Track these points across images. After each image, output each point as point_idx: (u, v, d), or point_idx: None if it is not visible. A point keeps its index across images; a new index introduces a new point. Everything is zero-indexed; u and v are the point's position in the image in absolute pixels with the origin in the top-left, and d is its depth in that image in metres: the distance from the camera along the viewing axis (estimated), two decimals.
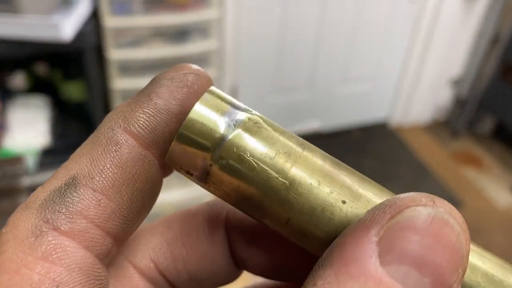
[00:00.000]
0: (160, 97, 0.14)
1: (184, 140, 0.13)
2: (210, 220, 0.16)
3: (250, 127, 0.13)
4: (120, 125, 0.13)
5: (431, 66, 1.98)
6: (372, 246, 0.10)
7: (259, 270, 0.16)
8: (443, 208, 0.10)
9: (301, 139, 0.13)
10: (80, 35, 1.06)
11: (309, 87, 1.86)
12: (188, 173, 0.13)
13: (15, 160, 0.48)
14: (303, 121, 1.88)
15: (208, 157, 0.13)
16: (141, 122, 0.13)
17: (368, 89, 1.98)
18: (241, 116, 0.13)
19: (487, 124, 2.09)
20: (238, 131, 0.13)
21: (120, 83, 1.26)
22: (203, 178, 0.13)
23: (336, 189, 0.12)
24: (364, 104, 2.02)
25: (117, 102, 1.29)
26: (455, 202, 1.72)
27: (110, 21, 1.18)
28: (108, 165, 0.13)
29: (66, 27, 1.01)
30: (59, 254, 0.12)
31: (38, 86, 1.31)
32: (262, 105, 1.78)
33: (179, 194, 1.43)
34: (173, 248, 0.16)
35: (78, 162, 0.13)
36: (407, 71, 1.99)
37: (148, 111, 0.14)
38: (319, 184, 0.12)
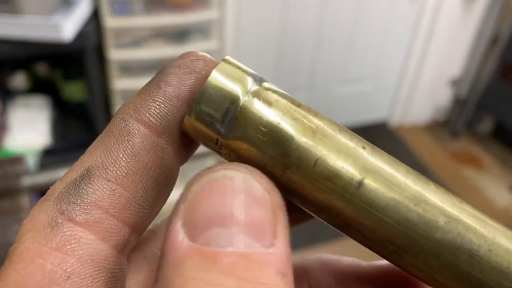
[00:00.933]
0: (169, 85, 0.14)
1: (200, 107, 0.13)
2: None
3: (265, 95, 0.13)
4: (132, 115, 0.14)
5: (430, 66, 1.98)
6: (178, 231, 0.11)
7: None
8: (220, 168, 0.12)
9: (313, 109, 0.14)
10: (81, 36, 1.06)
11: (309, 87, 1.86)
12: (206, 140, 0.14)
13: (16, 160, 0.49)
14: None
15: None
16: (151, 110, 0.14)
17: (368, 89, 1.99)
18: (255, 84, 0.13)
19: (487, 124, 2.09)
20: (252, 98, 0.13)
21: (120, 83, 1.26)
22: (221, 145, 0.13)
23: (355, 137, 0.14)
24: (364, 104, 2.03)
25: (117, 102, 1.29)
26: None
27: (111, 22, 1.18)
28: (121, 155, 0.13)
29: (67, 27, 1.01)
30: (72, 245, 0.12)
31: (38, 86, 1.31)
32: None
33: (179, 194, 1.43)
34: None
35: (93, 154, 0.13)
36: (406, 71, 1.99)
37: (158, 99, 0.14)
38: (340, 132, 0.13)
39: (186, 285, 0.10)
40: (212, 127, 0.13)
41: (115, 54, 1.22)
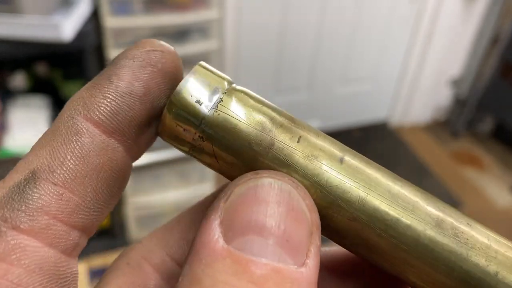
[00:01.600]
0: (122, 79, 0.13)
1: (173, 112, 0.13)
2: None
3: (235, 97, 0.13)
4: (80, 113, 0.13)
5: (431, 66, 1.98)
6: (215, 229, 0.11)
7: None
8: (267, 175, 0.12)
9: (282, 110, 0.14)
10: (81, 35, 1.06)
11: (309, 87, 1.86)
12: (180, 144, 0.13)
13: (16, 160, 0.48)
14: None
15: (196, 128, 0.13)
16: (102, 108, 0.13)
17: (368, 89, 1.99)
18: (225, 88, 0.13)
19: (487, 124, 2.09)
20: (223, 100, 0.13)
21: None
22: (194, 149, 0.13)
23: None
24: (364, 104, 2.03)
25: None
26: (455, 202, 1.73)
27: (110, 21, 1.18)
28: (69, 157, 0.12)
29: (66, 27, 1.01)
30: (18, 255, 0.11)
31: (38, 86, 1.31)
32: None
33: (179, 194, 1.43)
34: (188, 237, 0.16)
35: (38, 154, 0.12)
36: (407, 71, 1.99)
37: (109, 95, 0.13)
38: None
39: (215, 287, 0.10)
40: (197, 107, 0.13)
41: (115, 54, 1.22)
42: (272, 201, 0.11)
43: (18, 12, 1.00)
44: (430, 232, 0.13)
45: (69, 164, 0.12)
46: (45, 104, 1.26)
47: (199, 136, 0.13)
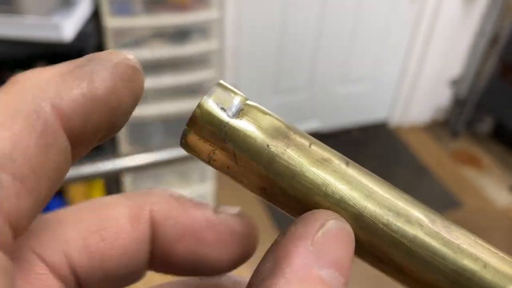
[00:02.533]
0: (102, 85, 0.12)
1: (196, 128, 0.15)
2: (132, 213, 0.15)
3: (254, 107, 0.15)
4: (50, 99, 0.11)
5: (430, 66, 1.98)
6: (311, 254, 0.12)
7: (177, 269, 0.16)
8: (342, 220, 0.14)
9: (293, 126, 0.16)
10: (81, 36, 1.06)
11: (309, 88, 1.86)
12: (203, 149, 0.15)
13: None
14: (303, 121, 1.89)
15: (219, 133, 0.15)
16: (75, 103, 0.11)
17: (368, 89, 1.99)
18: (244, 101, 0.15)
19: (486, 124, 2.09)
20: (238, 119, 0.15)
21: None
22: (215, 152, 0.15)
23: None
24: (364, 104, 2.03)
25: None
26: (455, 202, 1.73)
27: (111, 22, 1.19)
28: (32, 147, 0.10)
29: (67, 27, 1.01)
30: None
31: None
32: (262, 105, 1.77)
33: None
34: (90, 241, 0.14)
35: None
36: (406, 71, 1.99)
37: (87, 93, 0.11)
38: (310, 145, 0.15)
39: None
40: (221, 115, 0.15)
41: None
42: (350, 244, 0.13)
43: (18, 12, 1.00)
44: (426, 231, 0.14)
45: (32, 156, 0.10)
46: None
47: (222, 139, 0.14)
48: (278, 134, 0.15)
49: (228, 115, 0.15)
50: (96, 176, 0.52)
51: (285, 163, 0.14)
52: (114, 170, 0.53)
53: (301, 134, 0.15)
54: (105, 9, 1.17)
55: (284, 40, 1.68)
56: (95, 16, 1.17)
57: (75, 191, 1.30)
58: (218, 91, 0.15)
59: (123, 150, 1.36)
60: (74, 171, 0.49)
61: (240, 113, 0.15)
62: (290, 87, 1.83)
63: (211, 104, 0.15)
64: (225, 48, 1.49)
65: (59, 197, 1.32)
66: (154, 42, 1.27)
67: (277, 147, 0.14)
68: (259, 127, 0.15)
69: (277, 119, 0.15)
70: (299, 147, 0.15)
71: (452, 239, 0.14)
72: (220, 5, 1.31)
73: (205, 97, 0.15)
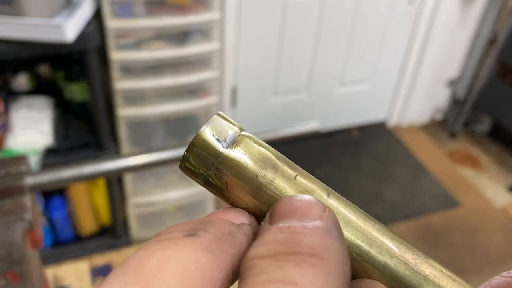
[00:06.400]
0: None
1: (195, 149, 0.16)
2: None
3: (246, 139, 0.17)
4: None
5: (428, 66, 1.99)
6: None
7: None
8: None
9: (281, 155, 0.17)
10: (83, 37, 1.07)
11: (308, 88, 1.87)
12: (197, 176, 0.17)
13: (18, 159, 0.49)
14: (302, 122, 1.89)
15: (214, 162, 0.16)
16: None
17: (367, 90, 2.00)
18: (238, 133, 0.17)
19: (484, 124, 2.11)
20: (232, 149, 0.16)
21: (122, 84, 1.28)
22: (209, 179, 0.16)
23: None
24: (363, 105, 2.04)
25: (119, 103, 1.31)
26: (452, 201, 1.74)
27: (112, 23, 1.20)
28: None
29: (69, 28, 1.02)
30: None
31: (41, 87, 1.32)
32: (262, 106, 1.79)
33: (181, 193, 1.44)
34: None
35: None
36: (405, 71, 2.00)
37: None
38: (295, 177, 0.16)
39: None
40: (216, 145, 0.16)
41: (117, 55, 1.24)
42: None
43: (21, 13, 1.01)
44: (394, 260, 0.16)
45: None
46: (48, 105, 1.27)
47: (216, 168, 0.16)
48: (267, 165, 0.16)
49: (222, 146, 0.16)
50: (97, 176, 0.53)
51: (271, 193, 0.16)
52: (115, 170, 0.54)
53: (289, 165, 0.16)
54: (107, 11, 1.18)
55: (284, 41, 1.69)
56: (97, 17, 1.18)
57: (76, 190, 1.31)
58: (216, 122, 0.17)
59: (124, 150, 1.37)
60: (76, 171, 0.50)
61: (233, 144, 0.16)
62: (290, 88, 1.84)
63: (208, 134, 0.16)
64: (226, 49, 1.50)
65: (60, 197, 1.33)
66: (155, 43, 1.28)
67: (264, 177, 0.16)
68: (250, 158, 0.16)
69: (267, 149, 0.16)
70: (285, 178, 0.16)
71: (419, 270, 0.15)
72: (220, 6, 1.32)
73: (203, 127, 0.16)
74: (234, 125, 0.17)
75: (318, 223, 0.14)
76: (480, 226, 1.63)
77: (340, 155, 1.88)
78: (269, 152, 0.16)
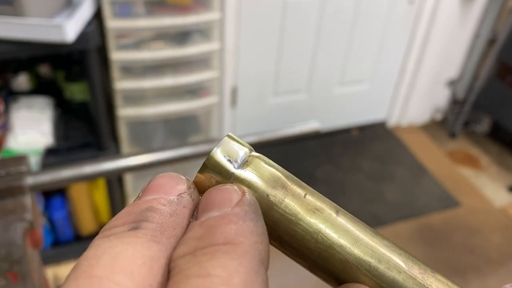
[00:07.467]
0: None
1: (206, 175, 0.17)
2: None
3: (257, 159, 0.17)
4: None
5: (428, 66, 1.99)
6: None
7: None
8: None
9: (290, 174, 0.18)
10: (83, 37, 1.07)
11: (308, 89, 1.87)
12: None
13: (19, 159, 0.49)
14: (302, 122, 1.89)
15: (226, 182, 0.17)
16: None
17: (367, 90, 2.00)
18: (249, 154, 0.17)
19: (484, 124, 2.11)
20: (243, 170, 0.17)
21: (122, 84, 1.28)
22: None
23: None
24: (363, 105, 2.04)
25: (119, 103, 1.31)
26: (452, 201, 1.74)
27: (113, 23, 1.20)
28: None
29: (69, 28, 1.02)
30: None
31: (41, 87, 1.32)
32: (262, 106, 1.80)
33: None
34: None
35: None
36: (404, 71, 2.01)
37: None
38: (305, 195, 0.17)
39: None
40: (228, 166, 0.17)
41: (117, 55, 1.24)
42: None
43: (21, 14, 1.01)
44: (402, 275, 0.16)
45: None
46: (48, 105, 1.27)
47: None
48: (277, 184, 0.17)
49: (234, 166, 0.17)
50: (97, 176, 0.53)
51: (282, 212, 0.16)
52: (116, 170, 0.54)
53: (298, 184, 0.17)
54: (107, 11, 1.18)
55: (284, 41, 1.69)
56: (97, 18, 1.18)
57: (76, 190, 1.32)
58: (226, 143, 0.17)
59: (124, 150, 1.37)
60: (76, 171, 0.50)
61: (244, 164, 0.17)
62: (290, 88, 1.84)
63: (219, 156, 0.17)
64: (226, 49, 1.50)
65: (60, 197, 1.33)
66: (155, 43, 1.28)
67: (275, 196, 0.16)
68: (260, 178, 0.17)
69: (277, 169, 0.17)
70: (295, 197, 0.16)
71: (426, 284, 0.16)
72: (220, 6, 1.32)
73: (215, 148, 0.17)
74: (244, 146, 0.17)
75: (235, 209, 0.14)
76: (479, 226, 1.63)
77: (340, 155, 1.88)
78: (278, 172, 0.17)
